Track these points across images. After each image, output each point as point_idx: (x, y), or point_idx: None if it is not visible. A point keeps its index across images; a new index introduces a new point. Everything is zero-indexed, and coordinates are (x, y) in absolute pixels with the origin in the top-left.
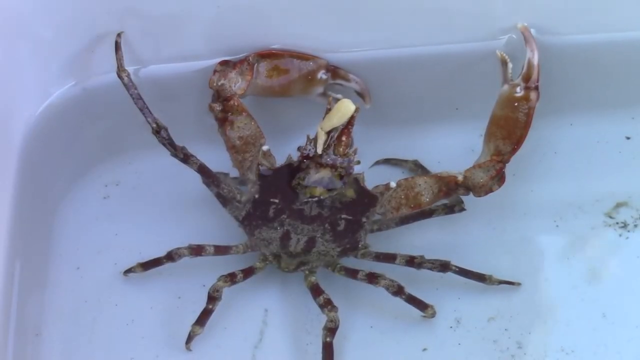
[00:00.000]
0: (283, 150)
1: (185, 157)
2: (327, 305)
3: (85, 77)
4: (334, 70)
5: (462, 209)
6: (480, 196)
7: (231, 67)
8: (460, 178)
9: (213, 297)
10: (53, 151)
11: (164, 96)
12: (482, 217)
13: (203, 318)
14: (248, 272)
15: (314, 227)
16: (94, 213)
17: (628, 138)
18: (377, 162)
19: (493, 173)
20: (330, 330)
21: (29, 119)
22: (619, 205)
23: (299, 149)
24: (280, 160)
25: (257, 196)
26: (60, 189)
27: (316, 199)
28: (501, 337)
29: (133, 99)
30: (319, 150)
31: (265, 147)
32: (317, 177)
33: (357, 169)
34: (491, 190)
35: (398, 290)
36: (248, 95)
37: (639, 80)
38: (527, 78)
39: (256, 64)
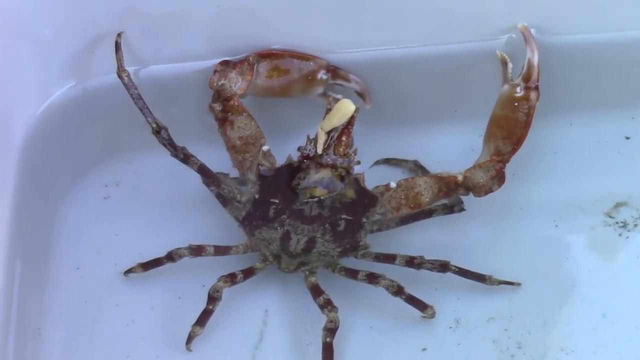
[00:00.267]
0: (283, 151)
1: (185, 158)
2: (327, 305)
3: (85, 77)
4: (334, 71)
5: (462, 209)
6: (480, 196)
7: (231, 67)
8: (460, 178)
9: (213, 298)
10: (53, 151)
11: (164, 96)
12: (482, 217)
13: (203, 318)
14: (248, 273)
15: (314, 228)
16: (94, 213)
17: (628, 138)
18: (377, 162)
19: (493, 173)
20: (330, 330)
21: (29, 119)
22: (618, 205)
23: (299, 149)
24: (280, 161)
25: (257, 196)
26: (60, 189)
27: (316, 199)
28: (501, 337)
29: (133, 99)
30: (319, 151)
31: (265, 147)
32: (317, 177)
33: (357, 169)
34: (491, 190)
35: (398, 291)
36: (248, 95)
37: (639, 80)
38: (527, 78)
39: (256, 64)
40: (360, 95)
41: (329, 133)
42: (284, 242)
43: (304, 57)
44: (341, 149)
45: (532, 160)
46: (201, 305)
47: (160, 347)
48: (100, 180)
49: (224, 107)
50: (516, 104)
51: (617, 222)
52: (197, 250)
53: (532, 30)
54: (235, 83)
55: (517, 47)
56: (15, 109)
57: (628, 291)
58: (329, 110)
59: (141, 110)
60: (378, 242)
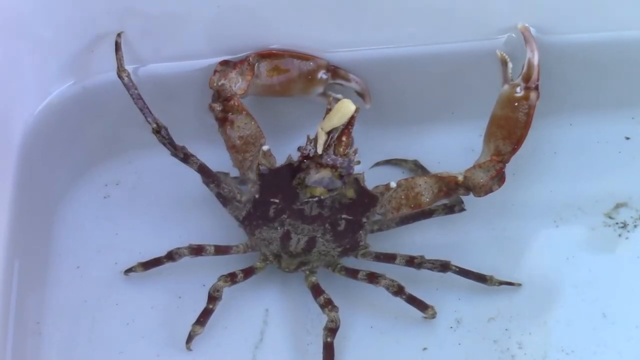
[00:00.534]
0: (283, 150)
1: (185, 157)
2: (327, 305)
3: (84, 76)
4: (334, 70)
5: (462, 209)
6: (480, 196)
7: (231, 67)
8: (460, 178)
9: (213, 297)
10: (53, 150)
11: (163, 95)
12: (482, 217)
13: (203, 318)
14: (248, 272)
15: (315, 227)
16: (94, 213)
17: (628, 138)
18: (378, 163)
19: (493, 173)
20: (331, 330)
21: (29, 118)
22: (618, 205)
23: (299, 149)
24: (280, 160)
25: (257, 196)
26: (60, 188)
27: (316, 199)
28: (501, 337)
29: (133, 98)
30: (319, 151)
31: (265, 147)
32: (318, 177)
33: (357, 169)
34: (491, 190)
35: (398, 290)
36: (248, 95)
37: (639, 80)
38: (527, 78)
39: (256, 64)
40: (360, 95)
41: (329, 133)
42: (284, 242)
43: (304, 57)
44: (341, 149)
45: (532, 161)
46: (201, 304)
47: (160, 347)
48: (100, 180)
49: (224, 107)
50: (516, 104)
51: (617, 223)
52: (197, 250)
53: (532, 30)
54: (236, 83)
55: (517, 46)
56: (14, 108)
57: (628, 291)
58: (329, 111)
59: (141, 110)
60: (378, 242)
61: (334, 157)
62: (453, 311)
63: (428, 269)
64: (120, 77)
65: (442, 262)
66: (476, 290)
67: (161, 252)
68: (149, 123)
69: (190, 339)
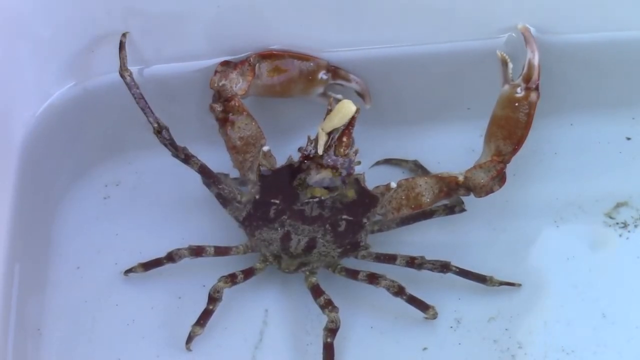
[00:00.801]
0: (283, 151)
1: (186, 158)
2: (327, 305)
3: (85, 77)
4: (334, 71)
5: (463, 210)
6: (481, 197)
7: (232, 68)
8: (461, 178)
9: (214, 298)
10: (53, 151)
11: (164, 96)
12: (482, 218)
13: (203, 318)
14: (248, 273)
15: (315, 228)
16: (94, 213)
17: (628, 138)
18: (378, 163)
19: (494, 173)
20: (331, 331)
21: (29, 119)
22: (619, 205)
23: (299, 149)
24: (280, 161)
25: (257, 197)
26: (60, 189)
27: (317, 199)
28: (502, 337)
29: (135, 98)
30: (320, 151)
31: (265, 148)
32: (318, 177)
33: (357, 170)
34: (492, 191)
35: (399, 291)
36: (249, 95)
37: (639, 80)
38: (527, 78)
39: (257, 65)
40: (360, 95)
41: (329, 134)
42: (285, 243)
43: (304, 57)
44: (342, 150)
45: (533, 161)
46: (201, 305)
47: (160, 347)
48: (100, 180)
49: (224, 108)
50: (517, 104)
51: (617, 223)
52: (197, 251)
53: (532, 30)
54: (236, 84)
55: (517, 46)
56: (15, 109)
57: (628, 291)
58: (329, 111)
59: (143, 109)
60: (378, 243)
61: (334, 157)
62: (453, 311)
63: (428, 269)
64: (122, 76)
65: (442, 262)
66: (476, 290)
67: (161, 253)
68: (151, 123)
69: (190, 339)
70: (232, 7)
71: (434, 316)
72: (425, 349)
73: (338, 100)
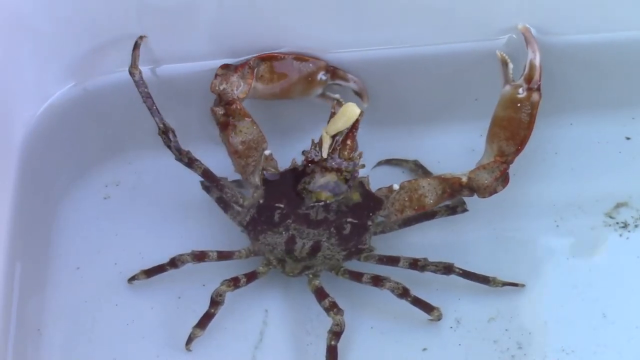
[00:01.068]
0: (283, 153)
1: (189, 162)
2: (332, 308)
3: (85, 77)
4: (333, 71)
5: (465, 210)
6: (484, 197)
7: (232, 71)
8: (464, 179)
9: (216, 302)
10: (53, 151)
11: (167, 97)
12: (483, 218)
13: (204, 321)
14: (251, 277)
15: (320, 232)
16: (94, 213)
17: (628, 138)
18: (379, 163)
19: (497, 174)
20: (336, 333)
21: (30, 119)
22: (619, 205)
23: (303, 153)
24: (282, 164)
25: (261, 201)
26: (60, 189)
27: (322, 203)
28: (501, 337)
29: (142, 97)
30: (324, 155)
31: (267, 152)
32: (323, 181)
33: (361, 172)
34: (496, 191)
35: (403, 293)
36: (249, 98)
37: (639, 80)
38: (529, 79)
39: (257, 67)
40: (358, 94)
41: (333, 137)
42: (289, 247)
43: (303, 58)
44: (346, 153)
45: (533, 161)
46: (201, 305)
47: (160, 347)
48: (100, 180)
49: (226, 111)
50: (519, 104)
51: (617, 223)
52: (200, 256)
53: (533, 30)
54: (237, 87)
55: (518, 47)
56: (15, 109)
57: (628, 291)
58: (333, 114)
59: (149, 109)
60: (379, 244)
61: (339, 160)
62: (453, 311)
63: (431, 271)
64: (132, 73)
65: (445, 264)
66: (476, 290)
67: (162, 253)
68: (156, 123)
69: (190, 340)
70: (233, 8)
71: (439, 317)
72: (425, 349)
73: (341, 103)
